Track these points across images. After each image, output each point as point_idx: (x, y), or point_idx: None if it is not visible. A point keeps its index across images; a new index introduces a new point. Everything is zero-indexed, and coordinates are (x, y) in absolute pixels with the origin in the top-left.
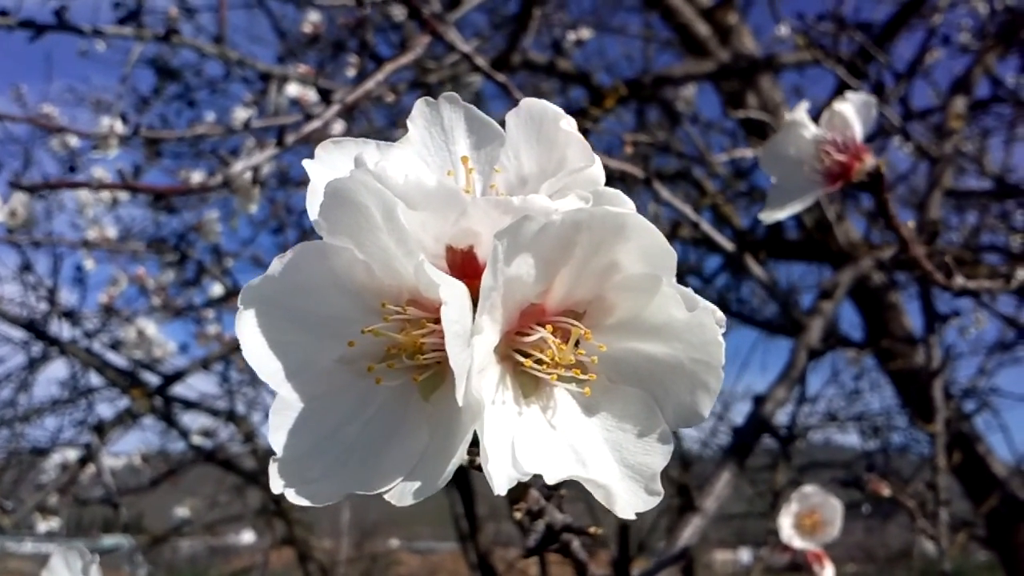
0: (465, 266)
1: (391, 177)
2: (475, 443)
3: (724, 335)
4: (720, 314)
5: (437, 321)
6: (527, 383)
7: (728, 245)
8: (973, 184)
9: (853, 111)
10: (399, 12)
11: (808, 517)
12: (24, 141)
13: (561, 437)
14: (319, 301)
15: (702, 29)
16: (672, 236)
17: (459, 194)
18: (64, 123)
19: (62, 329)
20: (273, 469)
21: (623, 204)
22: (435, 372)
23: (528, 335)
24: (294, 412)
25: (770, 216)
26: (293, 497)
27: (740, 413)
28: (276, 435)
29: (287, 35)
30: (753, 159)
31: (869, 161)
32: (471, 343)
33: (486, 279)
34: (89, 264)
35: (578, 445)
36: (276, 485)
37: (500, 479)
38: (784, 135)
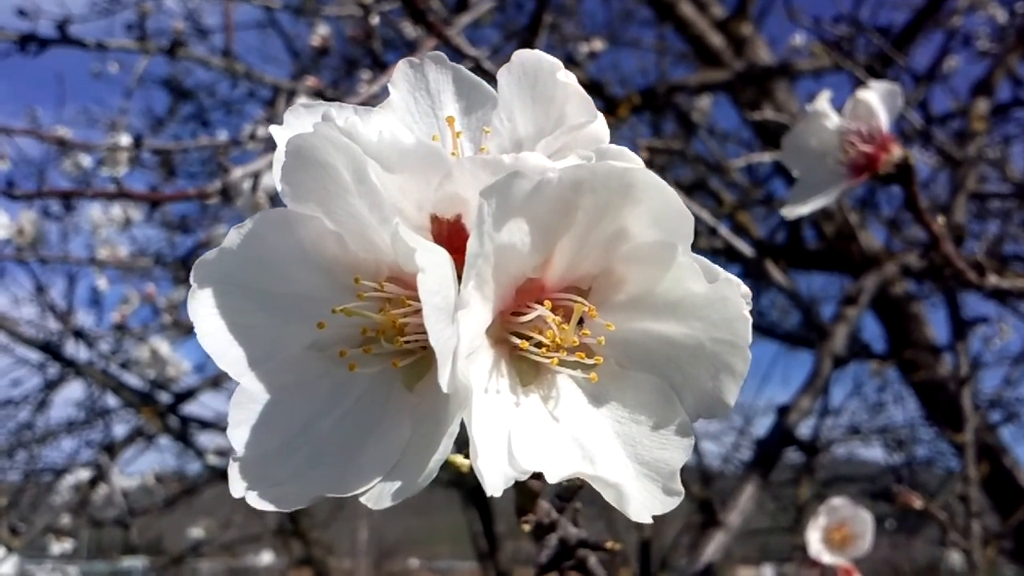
0: (452, 238)
1: (362, 134)
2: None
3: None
4: (744, 288)
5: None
6: (525, 370)
7: (748, 251)
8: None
9: (878, 99)
10: (410, 29)
11: (837, 531)
12: (37, 162)
13: (565, 430)
14: (284, 278)
15: (716, 40)
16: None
17: (441, 153)
18: (70, 139)
19: (78, 350)
20: (234, 470)
21: (629, 161)
22: (420, 358)
23: (525, 314)
24: (258, 405)
25: (793, 211)
26: (256, 501)
27: (763, 428)
28: (237, 431)
29: (300, 55)
30: (770, 165)
31: (896, 152)
32: (456, 319)
33: (471, 244)
34: (102, 284)
35: (584, 439)
36: (237, 488)
37: (493, 477)
38: (806, 126)
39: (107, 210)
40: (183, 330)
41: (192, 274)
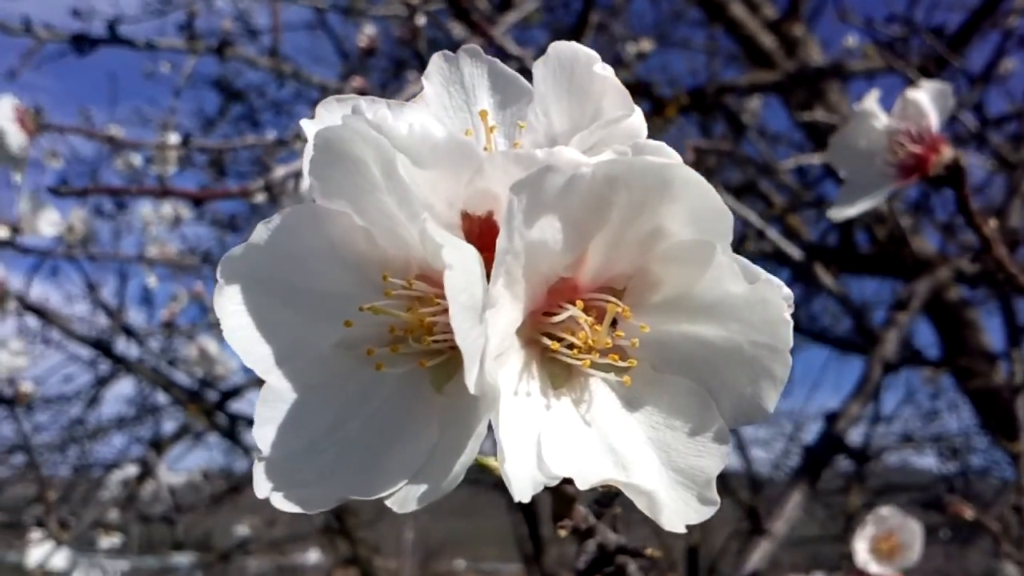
0: (484, 236)
1: (392, 127)
2: None
3: (792, 316)
4: (786, 289)
5: None
6: (556, 372)
7: (796, 254)
8: None
9: (928, 99)
10: (458, 30)
11: (885, 540)
12: (90, 162)
13: (597, 435)
14: (312, 274)
15: (767, 41)
16: (737, 251)
17: (472, 147)
18: (119, 137)
19: (128, 348)
20: (259, 470)
21: (667, 156)
22: (449, 358)
23: (556, 314)
24: (285, 404)
25: (840, 213)
26: (281, 503)
27: (813, 434)
28: (263, 430)
29: (349, 56)
30: (821, 167)
31: (947, 153)
32: (484, 318)
33: (500, 241)
34: (152, 281)
35: (617, 445)
36: (262, 489)
37: (521, 482)
38: (854, 126)
39: (157, 208)
40: None
41: (219, 269)
